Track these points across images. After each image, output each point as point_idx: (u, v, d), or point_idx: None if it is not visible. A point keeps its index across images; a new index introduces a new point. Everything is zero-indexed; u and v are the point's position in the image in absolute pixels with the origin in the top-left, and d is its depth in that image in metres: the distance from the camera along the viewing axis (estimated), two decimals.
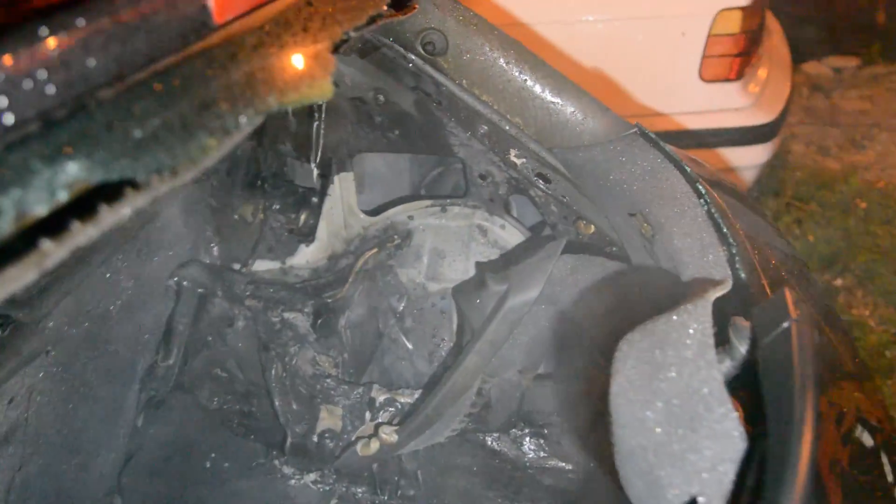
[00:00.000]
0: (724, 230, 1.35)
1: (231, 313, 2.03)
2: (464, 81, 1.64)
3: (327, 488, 1.99)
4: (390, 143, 1.97)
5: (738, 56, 3.39)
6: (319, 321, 2.02)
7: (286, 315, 2.01)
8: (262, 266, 2.09)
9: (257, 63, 0.86)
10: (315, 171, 2.01)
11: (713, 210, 1.38)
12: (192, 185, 1.97)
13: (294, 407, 2.01)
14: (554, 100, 1.61)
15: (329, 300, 2.02)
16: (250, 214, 2.09)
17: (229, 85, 0.81)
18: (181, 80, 0.77)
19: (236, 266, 2.08)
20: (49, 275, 1.51)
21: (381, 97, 1.85)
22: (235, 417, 2.08)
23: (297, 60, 0.92)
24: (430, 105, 1.76)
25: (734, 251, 1.33)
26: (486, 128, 1.71)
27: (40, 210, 0.61)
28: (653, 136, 1.54)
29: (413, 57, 1.66)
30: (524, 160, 1.72)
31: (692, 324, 1.04)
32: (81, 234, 0.62)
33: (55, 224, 0.61)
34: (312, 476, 2.01)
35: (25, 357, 1.41)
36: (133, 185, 0.66)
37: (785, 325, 0.98)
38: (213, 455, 2.06)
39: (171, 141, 0.71)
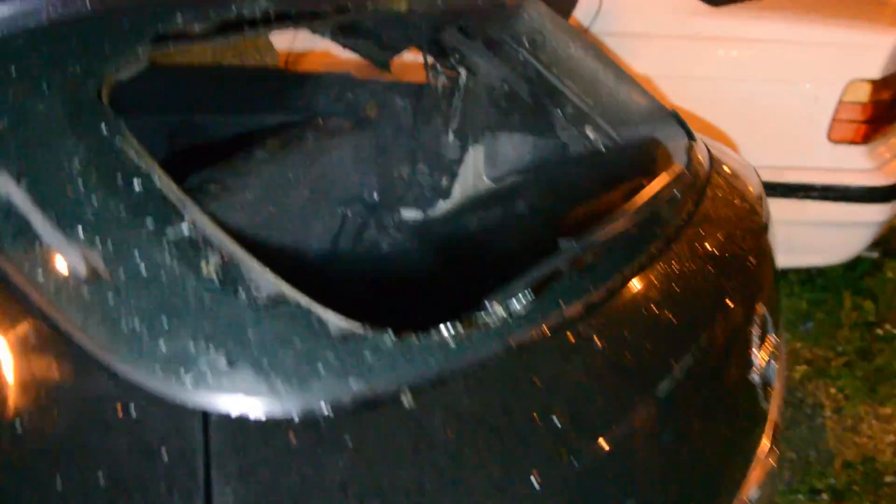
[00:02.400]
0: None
1: (379, 239, 2.72)
2: (554, 69, 2.26)
3: None
4: (513, 125, 2.60)
5: (865, 123, 3.81)
6: None
7: (419, 244, 2.69)
8: (407, 214, 2.76)
9: None
10: (454, 141, 2.68)
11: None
12: (364, 143, 2.69)
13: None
14: (616, 86, 2.21)
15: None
16: (406, 172, 2.78)
17: None
18: None
19: (389, 209, 2.77)
20: (250, 162, 2.24)
21: (506, 86, 2.49)
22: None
23: None
24: (537, 94, 2.39)
25: None
26: (570, 109, 2.32)
27: (249, 17, 1.31)
28: (680, 117, 2.11)
29: (522, 51, 2.30)
30: (595, 135, 2.31)
31: None
32: (255, 31, 1.32)
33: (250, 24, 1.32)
34: None
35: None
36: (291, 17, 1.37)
37: None
38: None
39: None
